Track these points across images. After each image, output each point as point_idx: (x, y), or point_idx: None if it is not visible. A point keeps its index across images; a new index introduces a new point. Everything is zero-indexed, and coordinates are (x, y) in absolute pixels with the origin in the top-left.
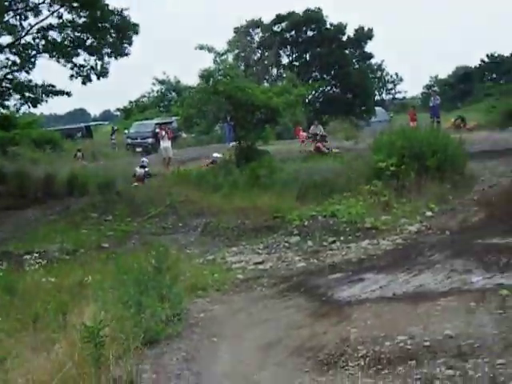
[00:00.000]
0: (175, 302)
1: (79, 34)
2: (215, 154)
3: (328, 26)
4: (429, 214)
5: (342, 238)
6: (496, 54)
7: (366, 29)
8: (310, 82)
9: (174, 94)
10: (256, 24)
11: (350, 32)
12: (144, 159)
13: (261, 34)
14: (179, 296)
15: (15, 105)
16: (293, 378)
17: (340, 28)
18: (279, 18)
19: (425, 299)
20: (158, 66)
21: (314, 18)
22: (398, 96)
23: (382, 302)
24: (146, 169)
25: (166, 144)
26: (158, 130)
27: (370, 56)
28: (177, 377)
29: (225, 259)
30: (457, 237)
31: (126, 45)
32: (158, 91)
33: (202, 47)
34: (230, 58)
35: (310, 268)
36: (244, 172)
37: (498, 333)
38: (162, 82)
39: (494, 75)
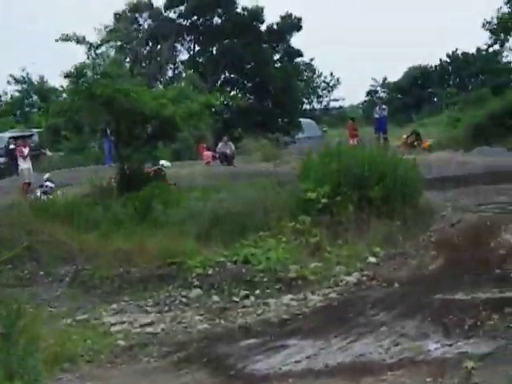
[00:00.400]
0: (31, 378)
1: None
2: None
3: (240, 10)
4: (372, 259)
5: (257, 292)
6: (459, 52)
7: (292, 17)
8: (219, 84)
9: (36, 98)
10: (145, 8)
11: (271, 20)
12: (48, 183)
13: (150, 22)
14: (37, 370)
15: None
16: None
17: (256, 13)
18: (175, 0)
19: (366, 373)
20: (16, 61)
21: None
22: (333, 104)
23: (309, 376)
24: (50, 196)
25: (27, 165)
26: (12, 146)
27: (298, 53)
28: None
29: (101, 320)
30: (408, 290)
31: None
32: (14, 93)
33: (67, 38)
34: (111, 51)
35: (216, 331)
36: (129, 204)
37: None
38: (20, 82)
39: (458, 79)
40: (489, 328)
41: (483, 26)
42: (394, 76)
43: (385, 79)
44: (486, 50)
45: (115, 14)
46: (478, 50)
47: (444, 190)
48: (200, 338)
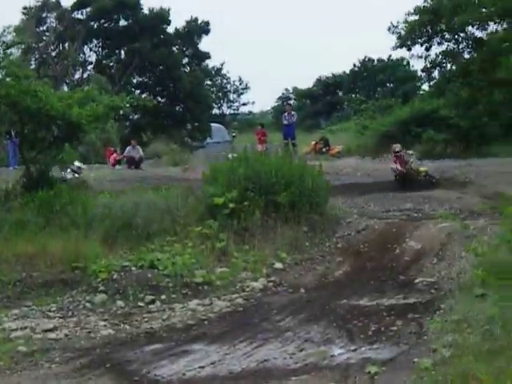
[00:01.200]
0: None
1: None
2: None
3: (146, 11)
4: (278, 265)
5: (163, 297)
6: (367, 59)
7: (199, 21)
8: (129, 87)
9: None
10: (53, 7)
11: (179, 24)
12: (76, 163)
13: (57, 22)
14: None
15: None
16: None
17: (162, 16)
18: (82, 2)
19: (271, 378)
20: None
21: (127, 2)
22: (242, 110)
23: (214, 382)
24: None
25: None
26: None
27: (206, 56)
28: None
29: (1, 325)
30: (314, 296)
31: None
32: None
33: None
34: (18, 51)
35: (120, 336)
36: (33, 207)
37: None
38: None
39: (368, 86)
40: (392, 334)
41: (389, 29)
42: (307, 82)
43: (295, 88)
44: (389, 57)
45: (24, 8)
46: (380, 60)
47: (351, 196)
48: (104, 343)
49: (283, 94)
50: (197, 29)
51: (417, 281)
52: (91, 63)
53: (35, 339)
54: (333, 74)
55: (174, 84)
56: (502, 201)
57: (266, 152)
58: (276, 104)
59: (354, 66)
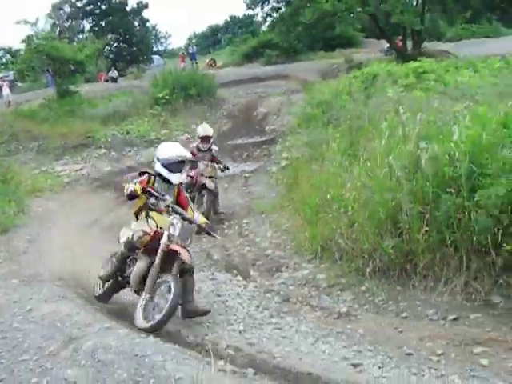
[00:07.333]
0: (19, 201)
1: None
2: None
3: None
4: (194, 126)
5: (135, 148)
6: (234, 16)
7: (143, 2)
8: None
9: (8, 56)
10: (66, 1)
11: (133, 4)
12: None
13: (69, 9)
14: (22, 197)
15: None
16: (101, 246)
17: (123, 2)
18: None
19: None
20: None
21: None
22: (168, 47)
23: None
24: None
25: (6, 91)
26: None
27: (147, 20)
28: (23, 253)
29: (54, 169)
30: (215, 139)
31: None
32: None
33: (18, 22)
34: (48, 26)
35: (114, 171)
36: (63, 107)
37: (243, 202)
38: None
39: (235, 30)
40: (255, 156)
41: None
42: (201, 28)
43: (194, 32)
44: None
45: (52, 5)
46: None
47: (229, 87)
48: (106, 174)
49: (191, 35)
50: (142, 7)
51: (266, 128)
52: (83, 30)
53: (72, 175)
54: (215, 25)
55: (130, 37)
56: (306, 83)
57: (185, 67)
58: (186, 41)
59: (227, 20)
